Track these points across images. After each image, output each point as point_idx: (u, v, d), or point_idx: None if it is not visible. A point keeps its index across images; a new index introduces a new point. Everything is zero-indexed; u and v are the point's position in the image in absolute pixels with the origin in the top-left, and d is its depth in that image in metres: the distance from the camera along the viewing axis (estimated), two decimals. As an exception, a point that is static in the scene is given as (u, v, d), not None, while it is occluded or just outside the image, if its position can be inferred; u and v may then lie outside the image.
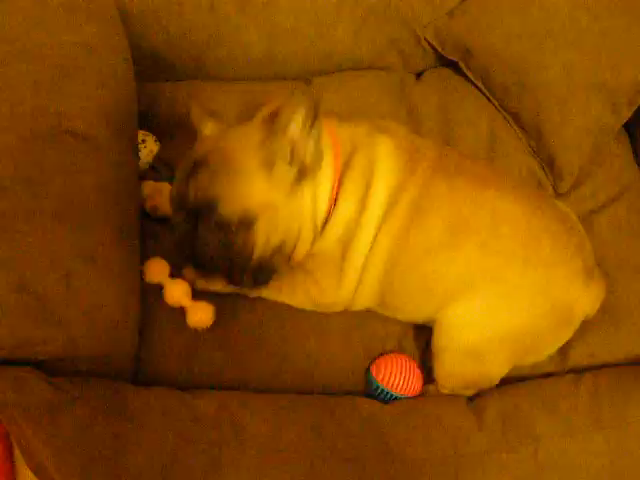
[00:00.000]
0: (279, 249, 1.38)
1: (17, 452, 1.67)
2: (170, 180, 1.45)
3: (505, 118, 1.83)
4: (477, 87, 1.87)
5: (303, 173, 1.34)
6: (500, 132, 1.81)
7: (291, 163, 1.32)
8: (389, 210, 1.41)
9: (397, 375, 1.45)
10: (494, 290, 1.40)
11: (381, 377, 1.46)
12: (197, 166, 1.32)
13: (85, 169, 1.34)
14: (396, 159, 1.43)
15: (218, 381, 1.44)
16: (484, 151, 1.78)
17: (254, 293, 1.50)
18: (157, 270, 1.48)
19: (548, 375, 1.50)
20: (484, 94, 1.86)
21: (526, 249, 1.41)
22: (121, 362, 1.36)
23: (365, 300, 1.50)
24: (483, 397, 1.43)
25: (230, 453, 1.24)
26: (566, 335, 1.48)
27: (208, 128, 1.44)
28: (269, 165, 1.31)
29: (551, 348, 1.49)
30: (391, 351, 1.53)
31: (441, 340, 1.44)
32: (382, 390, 1.45)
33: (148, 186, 1.60)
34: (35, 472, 1.36)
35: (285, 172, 1.33)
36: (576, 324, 1.48)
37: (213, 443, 1.24)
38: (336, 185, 1.40)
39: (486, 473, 1.31)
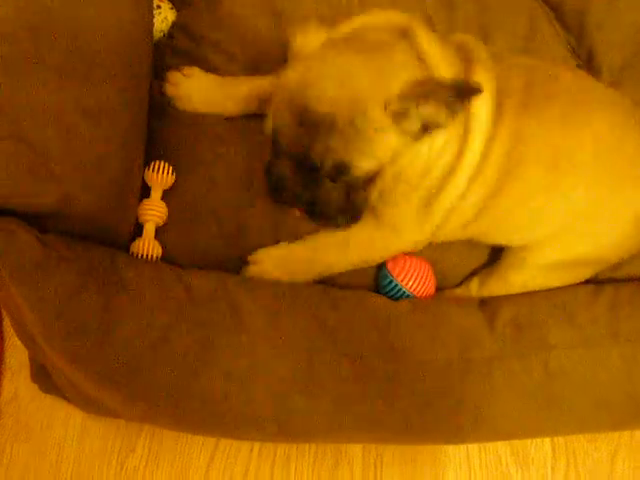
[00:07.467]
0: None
1: (6, 323, 1.64)
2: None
3: (545, 12, 1.73)
4: (517, -26, 1.76)
5: (427, 129, 1.24)
6: (540, 25, 1.71)
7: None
8: (483, 161, 1.32)
9: (414, 275, 1.40)
10: (602, 218, 1.35)
11: (397, 273, 1.40)
12: (321, 126, 1.20)
13: (93, 24, 1.25)
14: (489, 99, 1.31)
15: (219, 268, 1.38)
16: (522, 42, 1.68)
17: None
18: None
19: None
20: (524, -18, 1.75)
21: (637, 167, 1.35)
22: (119, 231, 1.31)
23: (443, 237, 1.44)
24: (497, 301, 1.37)
25: (224, 336, 1.20)
26: None
27: (299, 39, 1.29)
28: (400, 121, 1.21)
29: None
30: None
31: (531, 258, 1.39)
32: (395, 286, 1.40)
33: (173, 76, 1.53)
34: (24, 343, 1.32)
35: (411, 125, 1.22)
36: None
37: (207, 324, 1.20)
38: None
39: (493, 379, 1.26)
